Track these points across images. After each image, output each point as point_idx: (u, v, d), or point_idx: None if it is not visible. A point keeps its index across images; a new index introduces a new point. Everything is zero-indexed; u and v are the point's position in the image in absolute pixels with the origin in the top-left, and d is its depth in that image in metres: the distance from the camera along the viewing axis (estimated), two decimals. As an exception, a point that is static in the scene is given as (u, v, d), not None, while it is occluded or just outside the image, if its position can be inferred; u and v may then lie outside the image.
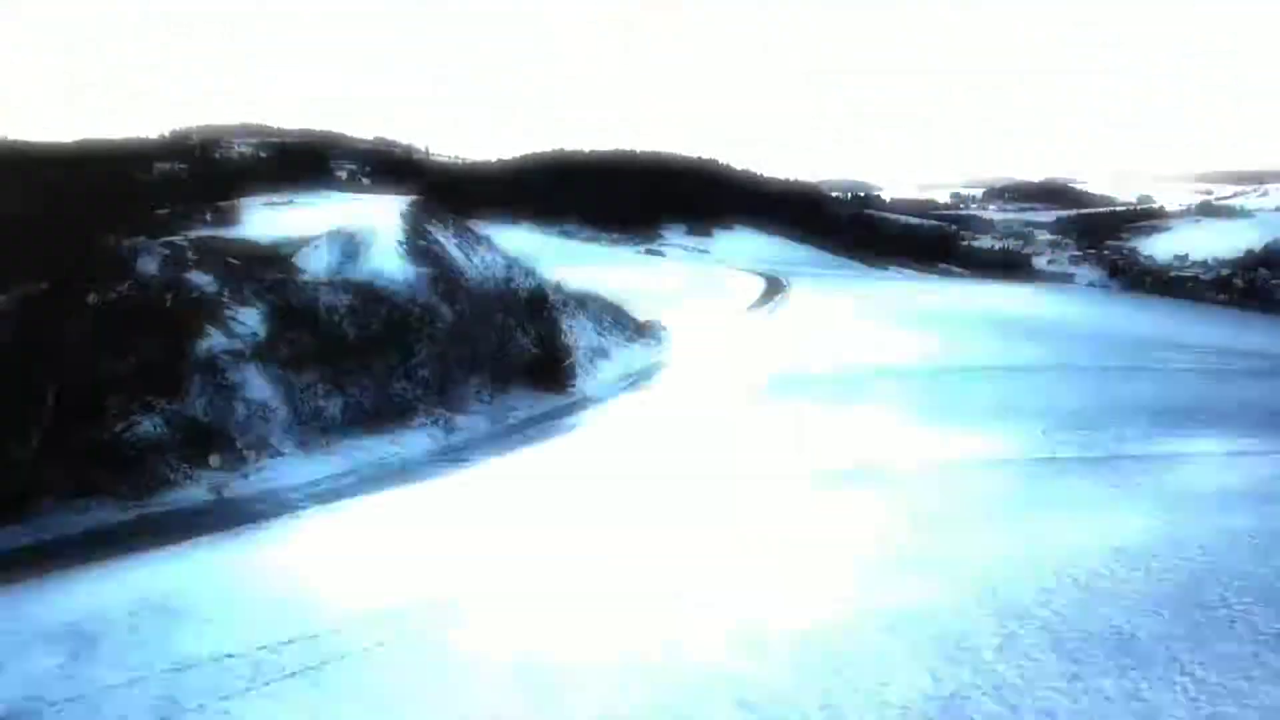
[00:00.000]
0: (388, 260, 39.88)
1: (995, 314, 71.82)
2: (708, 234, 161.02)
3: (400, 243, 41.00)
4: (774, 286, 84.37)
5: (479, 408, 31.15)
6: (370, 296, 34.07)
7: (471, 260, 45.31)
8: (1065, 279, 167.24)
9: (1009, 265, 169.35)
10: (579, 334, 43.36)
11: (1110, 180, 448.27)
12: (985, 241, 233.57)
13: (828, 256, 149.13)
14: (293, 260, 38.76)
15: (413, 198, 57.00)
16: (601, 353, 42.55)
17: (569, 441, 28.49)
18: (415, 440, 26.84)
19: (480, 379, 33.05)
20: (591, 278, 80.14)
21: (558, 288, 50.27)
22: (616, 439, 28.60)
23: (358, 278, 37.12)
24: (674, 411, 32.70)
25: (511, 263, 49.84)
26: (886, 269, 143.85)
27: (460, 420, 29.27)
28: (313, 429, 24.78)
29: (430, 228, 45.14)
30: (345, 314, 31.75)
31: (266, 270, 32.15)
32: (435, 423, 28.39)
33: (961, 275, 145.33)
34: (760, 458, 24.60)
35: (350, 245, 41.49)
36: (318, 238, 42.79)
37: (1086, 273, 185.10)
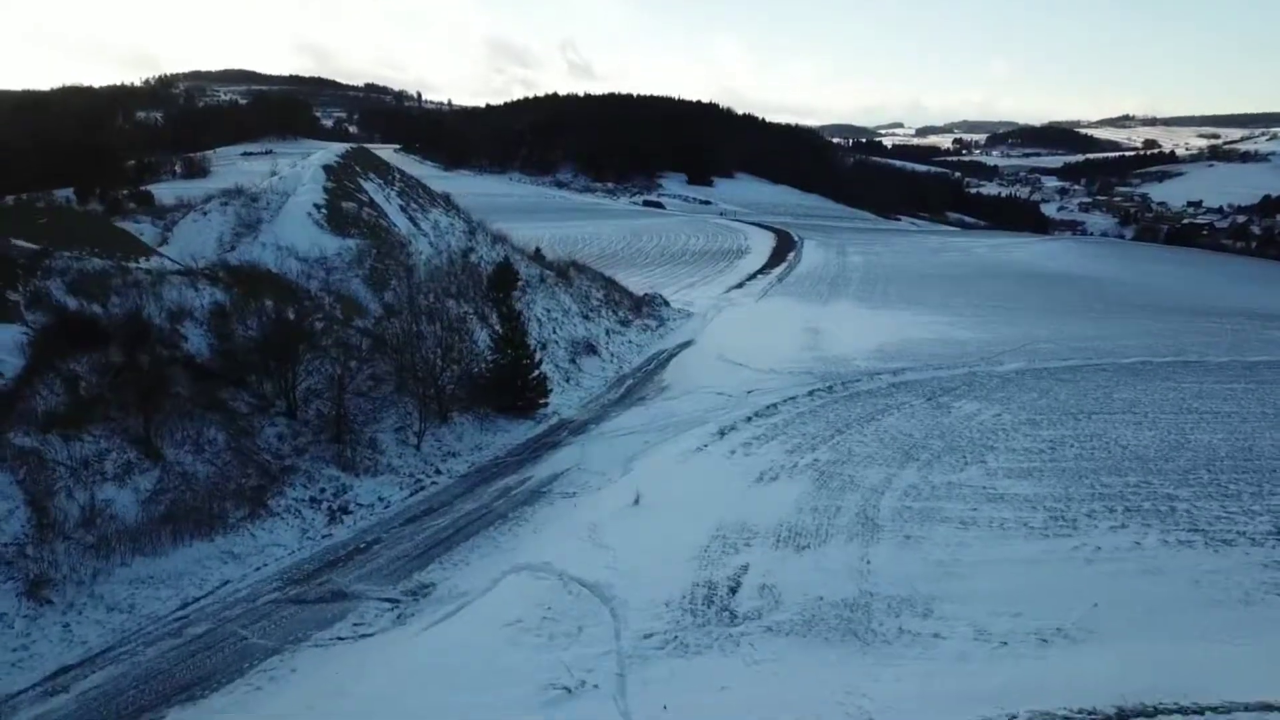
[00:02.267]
0: (298, 230, 28.47)
1: (1050, 275, 60.64)
2: (709, 183, 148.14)
3: (317, 206, 29.40)
4: (785, 246, 73.18)
5: (398, 456, 20.19)
6: (254, 287, 22.84)
7: (419, 226, 33.74)
8: (1076, 227, 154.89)
9: (1020, 213, 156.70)
10: (559, 321, 32.23)
11: (1114, 124, 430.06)
12: (991, 188, 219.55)
13: (835, 206, 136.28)
14: (160, 239, 27.50)
15: (348, 146, 45.06)
16: (588, 347, 31.44)
17: (516, 585, 14.23)
18: (273, 542, 15.85)
19: (408, 405, 22.06)
20: (581, 236, 68.75)
21: (536, 257, 38.92)
22: (599, 535, 15.84)
23: (246, 258, 25.85)
24: (686, 468, 20.91)
25: (474, 227, 38.16)
26: (898, 219, 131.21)
27: (361, 488, 18.30)
28: (72, 548, 13.88)
29: (366, 184, 33.48)
30: (204, 319, 20.59)
31: (78, 257, 20.83)
32: (317, 499, 17.45)
33: (976, 226, 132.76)
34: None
35: (250, 212, 29.94)
36: (206, 203, 31.31)
37: (1098, 220, 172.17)
